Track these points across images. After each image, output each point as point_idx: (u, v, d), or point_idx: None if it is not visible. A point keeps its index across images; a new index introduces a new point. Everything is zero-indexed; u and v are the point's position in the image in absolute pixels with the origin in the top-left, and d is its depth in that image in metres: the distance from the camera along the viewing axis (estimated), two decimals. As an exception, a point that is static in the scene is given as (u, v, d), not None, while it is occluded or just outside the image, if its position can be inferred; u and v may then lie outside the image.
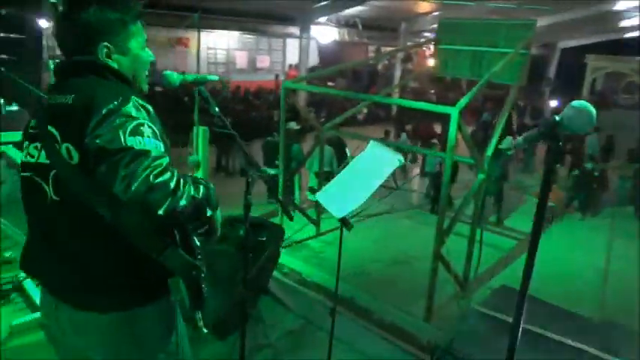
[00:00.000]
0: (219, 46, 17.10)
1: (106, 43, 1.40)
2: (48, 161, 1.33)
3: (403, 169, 10.33)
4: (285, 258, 6.80)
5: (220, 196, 1.39)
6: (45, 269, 1.44)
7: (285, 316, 3.12)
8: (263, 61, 18.56)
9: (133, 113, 1.26)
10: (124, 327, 1.40)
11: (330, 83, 17.17)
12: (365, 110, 14.90)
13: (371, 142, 2.40)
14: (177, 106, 11.37)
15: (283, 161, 7.75)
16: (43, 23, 8.32)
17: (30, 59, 8.35)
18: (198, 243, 1.46)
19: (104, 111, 1.23)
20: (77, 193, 1.28)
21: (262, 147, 8.70)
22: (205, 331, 1.55)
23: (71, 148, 1.28)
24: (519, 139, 1.49)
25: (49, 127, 1.33)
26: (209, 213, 1.34)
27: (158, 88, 13.87)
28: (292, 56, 17.64)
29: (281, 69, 18.40)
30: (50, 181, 1.35)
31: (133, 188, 1.16)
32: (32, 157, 1.38)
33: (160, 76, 1.68)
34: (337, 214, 2.24)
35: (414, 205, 9.35)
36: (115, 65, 1.43)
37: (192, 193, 1.25)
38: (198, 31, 7.39)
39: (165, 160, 1.24)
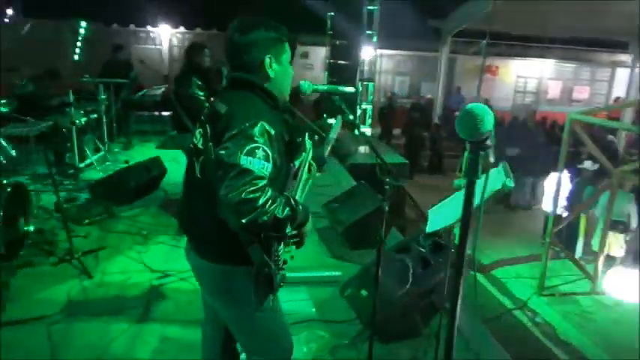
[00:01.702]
0: (530, 75, 16.26)
1: (270, 55, 1.78)
2: (202, 147, 1.76)
3: None
4: (541, 307, 6.09)
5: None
6: (186, 225, 1.93)
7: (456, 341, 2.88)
8: (581, 92, 16.62)
9: (255, 137, 1.58)
10: (224, 277, 1.81)
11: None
12: None
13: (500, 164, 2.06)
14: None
15: (566, 201, 6.94)
16: (364, 52, 9.82)
17: (350, 81, 10.01)
18: (280, 248, 1.75)
19: (235, 131, 1.59)
20: (210, 179, 1.67)
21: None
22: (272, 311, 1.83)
23: (211, 146, 1.68)
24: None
25: (207, 124, 1.74)
26: (288, 230, 1.65)
27: (457, 113, 14.28)
28: (622, 88, 15.24)
29: (603, 102, 16.12)
30: (199, 162, 1.77)
31: (229, 196, 1.51)
32: (196, 139, 1.82)
33: (297, 86, 1.97)
34: (427, 228, 2.11)
35: None
36: (272, 74, 1.79)
37: (275, 212, 1.55)
38: (484, 58, 7.30)
39: (262, 182, 1.54)
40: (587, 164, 8.03)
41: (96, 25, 10.77)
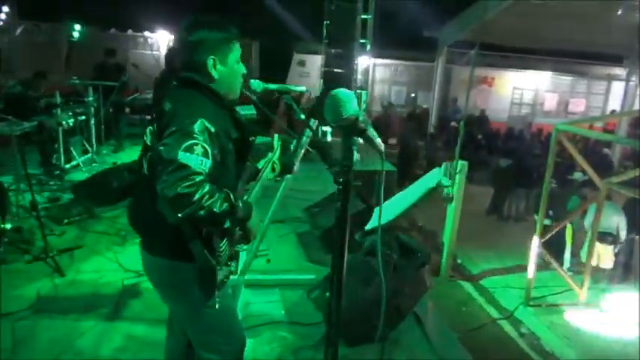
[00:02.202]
0: (526, 87, 16.31)
1: (212, 57, 1.78)
2: (150, 144, 1.77)
3: None
4: (528, 317, 6.04)
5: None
6: (134, 221, 1.92)
7: (421, 345, 2.85)
8: (577, 105, 16.62)
9: (195, 133, 1.59)
10: (169, 272, 1.83)
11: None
12: None
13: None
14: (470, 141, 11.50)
15: (554, 212, 6.93)
16: (358, 61, 9.86)
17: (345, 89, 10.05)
18: (224, 244, 1.76)
19: (174, 128, 1.60)
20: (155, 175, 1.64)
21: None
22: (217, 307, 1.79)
23: (155, 143, 1.68)
24: None
25: (154, 122, 1.76)
26: (227, 225, 1.67)
27: (453, 124, 14.30)
28: (618, 101, 15.29)
29: (599, 114, 16.13)
30: (147, 159, 1.79)
31: (165, 191, 1.53)
32: (146, 136, 1.82)
33: (247, 85, 1.95)
34: (368, 226, 2.13)
35: None
36: (216, 75, 1.79)
37: (212, 207, 1.55)
38: (472, 68, 7.32)
39: (200, 177, 1.55)
40: (578, 175, 8.04)
41: (92, 29, 10.84)
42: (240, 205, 1.69)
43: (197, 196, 1.52)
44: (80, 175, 5.93)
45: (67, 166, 6.00)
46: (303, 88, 2.23)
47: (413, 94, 16.01)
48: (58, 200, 5.14)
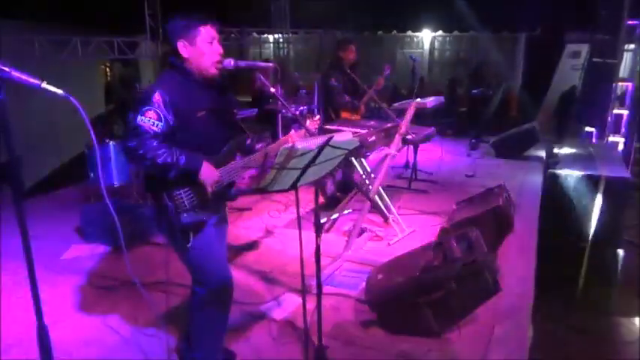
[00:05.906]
0: None
1: (182, 40, 2.18)
2: None
3: None
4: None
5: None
6: None
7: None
8: None
9: (150, 102, 2.05)
10: (157, 217, 2.27)
11: None
12: None
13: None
14: None
15: None
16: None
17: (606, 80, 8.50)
18: (181, 192, 2.14)
19: (140, 98, 2.14)
20: None
21: None
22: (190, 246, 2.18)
23: None
24: None
25: None
26: (173, 174, 2.06)
27: None
28: None
29: None
30: None
31: (123, 145, 2.11)
32: None
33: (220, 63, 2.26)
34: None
35: None
36: (186, 55, 2.18)
37: (155, 159, 2.01)
38: None
39: (147, 135, 2.02)
40: None
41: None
42: (184, 159, 2.06)
43: (142, 150, 2.00)
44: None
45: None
46: (270, 65, 2.50)
47: None
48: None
